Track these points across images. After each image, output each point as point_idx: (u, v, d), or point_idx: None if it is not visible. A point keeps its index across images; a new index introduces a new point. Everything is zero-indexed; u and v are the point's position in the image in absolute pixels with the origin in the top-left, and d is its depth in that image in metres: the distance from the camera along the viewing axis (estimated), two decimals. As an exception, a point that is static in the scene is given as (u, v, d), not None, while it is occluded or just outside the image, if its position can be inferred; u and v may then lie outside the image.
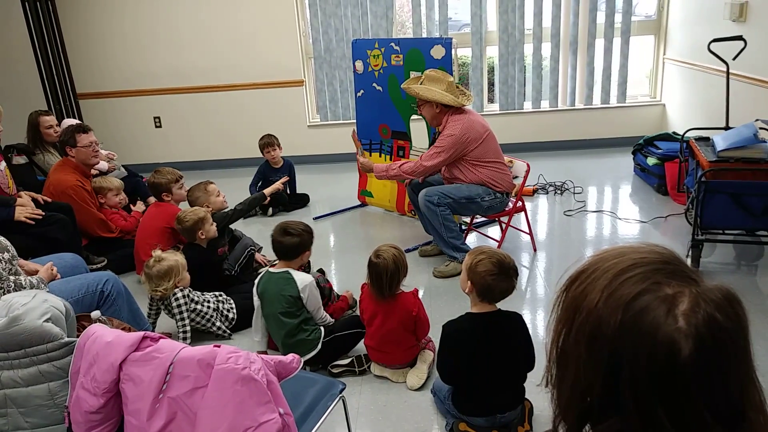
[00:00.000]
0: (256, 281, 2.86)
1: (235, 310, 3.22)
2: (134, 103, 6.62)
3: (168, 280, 3.01)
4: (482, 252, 2.25)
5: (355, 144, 4.48)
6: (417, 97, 3.62)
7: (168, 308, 3.10)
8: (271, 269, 2.83)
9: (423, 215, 3.81)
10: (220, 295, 3.28)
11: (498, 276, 2.19)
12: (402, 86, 3.81)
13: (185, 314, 3.05)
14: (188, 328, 3.03)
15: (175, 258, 3.05)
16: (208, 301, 3.18)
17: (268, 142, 5.17)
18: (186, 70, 6.50)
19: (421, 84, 3.62)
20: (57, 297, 1.90)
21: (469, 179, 3.65)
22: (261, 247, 4.00)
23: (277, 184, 4.98)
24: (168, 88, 6.54)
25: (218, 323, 3.16)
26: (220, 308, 3.21)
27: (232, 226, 3.89)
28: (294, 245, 2.77)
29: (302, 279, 2.76)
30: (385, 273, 2.58)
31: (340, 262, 4.17)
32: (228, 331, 3.18)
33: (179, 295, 3.05)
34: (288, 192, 5.40)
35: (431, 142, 4.33)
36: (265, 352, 2.88)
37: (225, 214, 3.74)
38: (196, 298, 3.12)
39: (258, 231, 4.70)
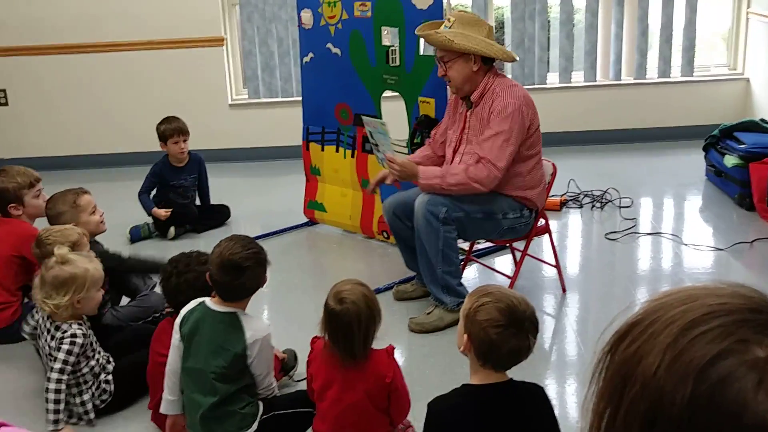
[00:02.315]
0: (182, 313, 2.85)
1: (112, 387, 3.19)
2: (-32, 68, 6.55)
3: (63, 293, 3.01)
4: (487, 293, 2.26)
5: (371, 130, 3.98)
6: (447, 47, 3.61)
7: (46, 341, 3.07)
8: (211, 301, 2.83)
9: (409, 236, 3.82)
10: (108, 359, 3.27)
11: (506, 329, 2.20)
12: (419, 32, 3.80)
13: (68, 365, 3.01)
14: (63, 395, 3.00)
15: (86, 266, 3.05)
16: (97, 361, 3.16)
17: (177, 129, 5.15)
18: (48, 20, 6.45)
19: (449, 28, 3.64)
20: None
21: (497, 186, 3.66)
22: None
23: (160, 213, 4.99)
24: (19, 46, 6.49)
25: (87, 397, 3.13)
26: (101, 377, 3.18)
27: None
28: (247, 284, 2.79)
29: (255, 329, 2.77)
30: (357, 324, 2.57)
31: (277, 307, 4.14)
32: (92, 416, 3.16)
33: (77, 332, 3.02)
34: (198, 203, 5.38)
35: (414, 133, 4.36)
36: (182, 416, 2.87)
37: (111, 257, 3.71)
38: (92, 350, 3.09)
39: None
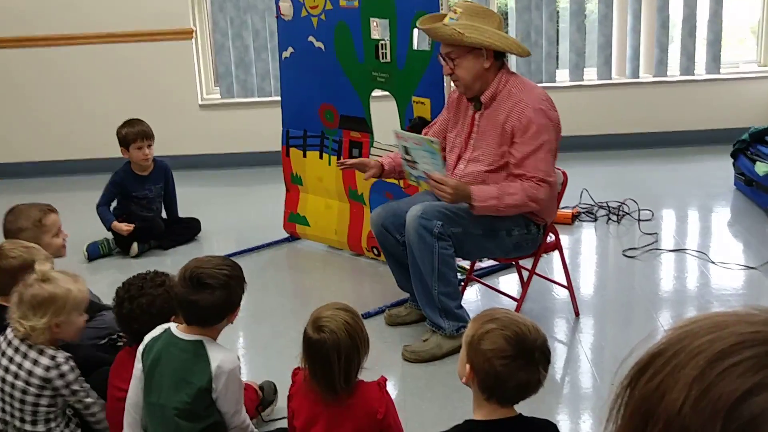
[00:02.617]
0: (146, 341, 2.84)
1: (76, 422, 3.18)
2: None
3: (41, 315, 2.98)
4: (492, 318, 2.26)
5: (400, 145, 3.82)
6: (457, 41, 3.61)
7: (20, 367, 3.03)
8: (176, 328, 2.82)
9: (400, 252, 3.83)
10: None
11: (514, 361, 2.19)
12: (422, 25, 3.78)
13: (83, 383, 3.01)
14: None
15: (69, 287, 3.03)
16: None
17: (141, 133, 5.14)
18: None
19: (456, 20, 3.63)
20: None
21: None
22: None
23: (121, 228, 4.98)
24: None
25: None
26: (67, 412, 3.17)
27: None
28: (217, 305, 2.75)
29: (222, 360, 2.74)
30: (336, 355, 2.56)
31: (253, 334, 4.14)
32: None
33: (64, 366, 2.98)
34: (164, 216, 5.38)
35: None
36: None
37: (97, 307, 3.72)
38: (79, 387, 3.07)
39: (112, 283, 4.64)
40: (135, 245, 5.10)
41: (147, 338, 2.85)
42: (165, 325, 2.85)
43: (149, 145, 5.15)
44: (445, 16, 3.73)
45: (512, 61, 6.22)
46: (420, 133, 4.14)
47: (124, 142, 5.13)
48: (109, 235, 5.16)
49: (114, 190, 5.19)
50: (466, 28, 3.59)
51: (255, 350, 3.94)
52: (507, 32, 6.51)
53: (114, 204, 5.23)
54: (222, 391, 2.74)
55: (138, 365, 2.84)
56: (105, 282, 4.68)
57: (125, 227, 5.05)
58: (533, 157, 3.58)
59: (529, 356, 2.21)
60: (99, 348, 3.63)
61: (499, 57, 3.68)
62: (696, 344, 0.90)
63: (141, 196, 5.20)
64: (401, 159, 3.79)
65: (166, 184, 5.33)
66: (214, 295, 2.71)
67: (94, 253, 5.10)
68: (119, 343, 3.68)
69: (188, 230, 5.37)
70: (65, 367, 3.02)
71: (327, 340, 2.57)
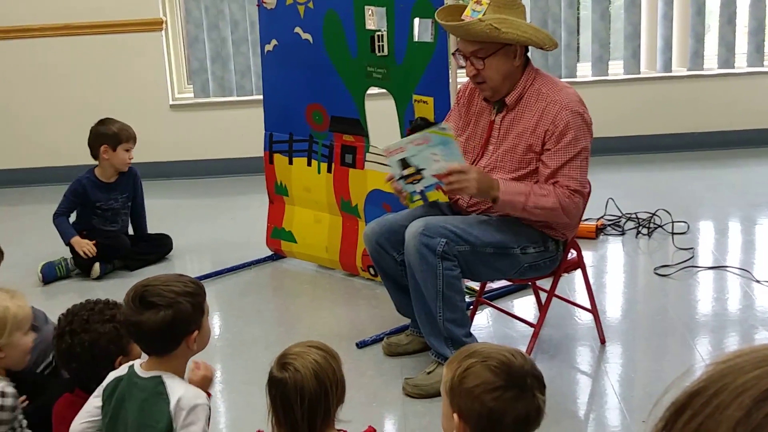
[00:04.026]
0: (104, 384, 2.83)
1: None
2: None
3: None
4: (470, 353, 2.23)
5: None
6: (493, 38, 3.58)
7: None
8: (138, 367, 2.80)
9: (398, 273, 3.82)
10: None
11: (505, 391, 2.18)
12: (444, 22, 3.71)
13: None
14: None
15: (6, 304, 3.02)
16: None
17: (132, 133, 5.20)
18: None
19: (483, 15, 3.61)
20: None
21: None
22: None
23: (83, 244, 4.99)
24: None
25: None
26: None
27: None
28: (164, 326, 2.71)
29: (182, 395, 2.72)
30: (299, 400, 2.54)
31: (231, 367, 4.13)
32: None
33: (6, 390, 2.97)
34: (131, 231, 5.37)
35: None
36: None
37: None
38: (19, 424, 3.06)
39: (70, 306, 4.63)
40: (97, 266, 5.09)
41: (111, 376, 2.84)
42: (129, 363, 2.84)
43: (130, 147, 5.23)
44: (463, 9, 3.70)
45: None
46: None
47: (114, 139, 5.16)
48: (68, 254, 5.14)
49: (74, 199, 5.20)
50: (502, 22, 3.58)
51: (233, 386, 3.92)
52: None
53: (73, 217, 5.22)
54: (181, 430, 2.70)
55: (95, 401, 2.83)
56: (62, 308, 4.65)
57: (87, 245, 5.04)
58: (568, 166, 3.61)
59: (521, 383, 2.19)
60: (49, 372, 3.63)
61: (525, 52, 3.71)
62: (741, 381, 0.90)
63: (105, 207, 5.21)
64: (396, 183, 3.70)
65: (135, 194, 5.34)
66: (159, 315, 2.68)
67: (50, 275, 5.08)
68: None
69: (158, 248, 5.36)
70: (9, 391, 3.02)
71: (288, 381, 2.54)
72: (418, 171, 3.66)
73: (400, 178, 3.68)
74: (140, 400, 2.73)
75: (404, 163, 3.66)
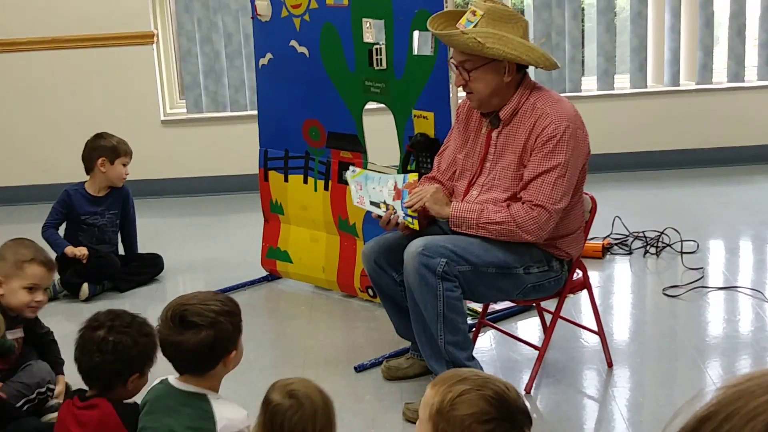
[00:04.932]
0: (144, 399, 2.88)
1: None
2: None
3: None
4: (461, 379, 2.22)
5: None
6: (476, 52, 3.60)
7: None
8: (174, 378, 2.83)
9: (398, 294, 3.81)
10: None
11: (499, 424, 2.16)
12: (435, 29, 3.74)
13: None
14: None
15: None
16: None
17: (121, 147, 5.24)
18: None
19: (474, 26, 3.62)
20: None
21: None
22: (61, 374, 3.95)
23: (76, 252, 5.01)
24: None
25: None
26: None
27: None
28: (205, 346, 2.74)
29: (230, 419, 2.76)
30: (312, 427, 2.53)
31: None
32: None
33: None
34: (121, 251, 5.36)
35: (407, 157, 4.36)
36: None
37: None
38: None
39: (59, 334, 4.61)
40: (85, 286, 5.07)
41: (144, 398, 2.88)
42: (158, 381, 2.87)
43: (126, 162, 5.30)
44: (461, 15, 3.70)
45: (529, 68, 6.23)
46: (428, 154, 4.14)
47: (113, 153, 5.22)
48: (55, 276, 5.11)
49: (62, 209, 5.23)
50: (488, 36, 3.57)
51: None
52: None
53: (63, 230, 5.23)
54: None
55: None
56: (52, 325, 4.65)
57: (82, 251, 5.07)
58: (540, 180, 3.58)
59: (513, 418, 2.18)
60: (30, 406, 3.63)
61: (521, 69, 3.69)
62: (752, 406, 0.90)
63: (91, 222, 5.22)
64: (392, 218, 3.79)
65: (125, 211, 5.35)
66: (201, 335, 2.73)
67: None
68: (51, 401, 3.68)
69: (148, 268, 5.36)
70: None
71: (304, 407, 2.54)
72: (387, 205, 3.81)
73: (379, 217, 3.85)
74: (182, 415, 2.77)
75: (372, 201, 3.86)
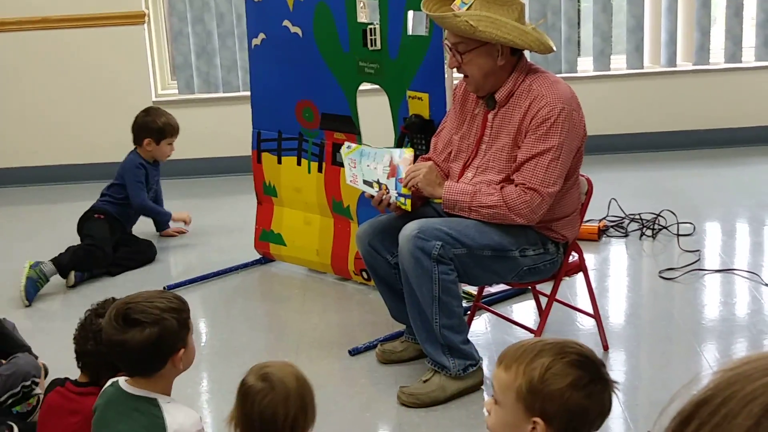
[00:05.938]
0: (96, 404, 2.83)
1: None
2: None
3: None
4: (537, 352, 2.21)
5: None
6: (468, 35, 3.60)
7: None
8: (124, 380, 2.80)
9: (392, 277, 3.83)
10: None
11: (595, 384, 2.19)
12: (428, 11, 3.74)
13: None
14: None
15: None
16: None
17: (168, 128, 5.43)
18: None
19: (468, 8, 3.62)
20: None
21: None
22: (46, 373, 3.93)
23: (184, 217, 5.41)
24: None
25: None
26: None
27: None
28: (150, 345, 2.69)
29: (180, 424, 2.71)
30: (284, 412, 2.54)
31: (218, 377, 4.13)
32: None
33: None
34: (118, 233, 5.38)
35: (401, 139, 4.37)
36: None
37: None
38: None
39: (40, 324, 4.62)
40: (72, 275, 4.99)
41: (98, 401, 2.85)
42: (110, 381, 2.83)
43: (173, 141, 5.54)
44: None
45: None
46: (423, 136, 4.15)
47: (159, 134, 5.42)
48: (34, 257, 4.94)
49: (142, 180, 5.44)
50: (480, 19, 3.57)
51: (222, 395, 3.90)
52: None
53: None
54: None
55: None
56: (47, 317, 4.66)
57: (187, 215, 5.67)
58: (533, 162, 3.59)
59: (602, 375, 2.23)
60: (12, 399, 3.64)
61: (516, 51, 3.70)
62: (749, 389, 0.90)
63: (154, 187, 5.57)
64: (384, 198, 3.85)
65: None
66: (144, 332, 2.68)
67: (33, 291, 4.82)
68: (34, 392, 3.68)
69: (141, 254, 5.37)
70: None
71: (258, 393, 2.53)
72: (379, 184, 3.85)
73: (361, 180, 3.94)
74: (131, 420, 2.72)
75: (368, 184, 3.91)
